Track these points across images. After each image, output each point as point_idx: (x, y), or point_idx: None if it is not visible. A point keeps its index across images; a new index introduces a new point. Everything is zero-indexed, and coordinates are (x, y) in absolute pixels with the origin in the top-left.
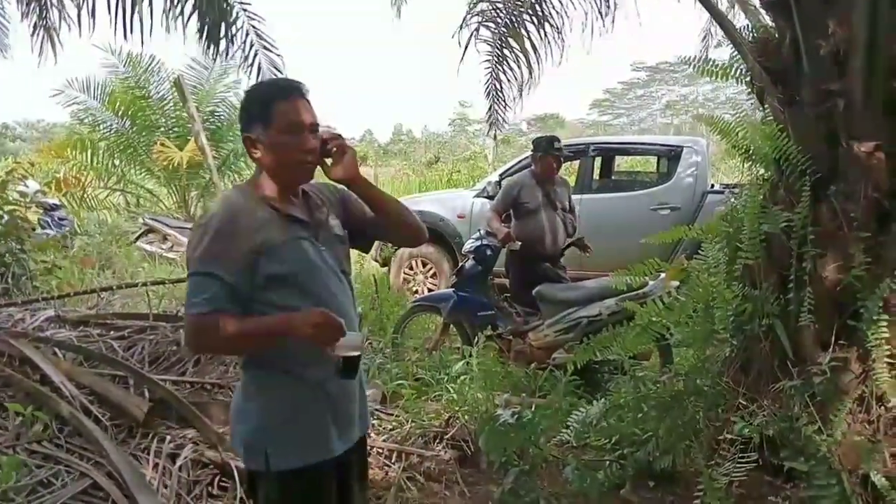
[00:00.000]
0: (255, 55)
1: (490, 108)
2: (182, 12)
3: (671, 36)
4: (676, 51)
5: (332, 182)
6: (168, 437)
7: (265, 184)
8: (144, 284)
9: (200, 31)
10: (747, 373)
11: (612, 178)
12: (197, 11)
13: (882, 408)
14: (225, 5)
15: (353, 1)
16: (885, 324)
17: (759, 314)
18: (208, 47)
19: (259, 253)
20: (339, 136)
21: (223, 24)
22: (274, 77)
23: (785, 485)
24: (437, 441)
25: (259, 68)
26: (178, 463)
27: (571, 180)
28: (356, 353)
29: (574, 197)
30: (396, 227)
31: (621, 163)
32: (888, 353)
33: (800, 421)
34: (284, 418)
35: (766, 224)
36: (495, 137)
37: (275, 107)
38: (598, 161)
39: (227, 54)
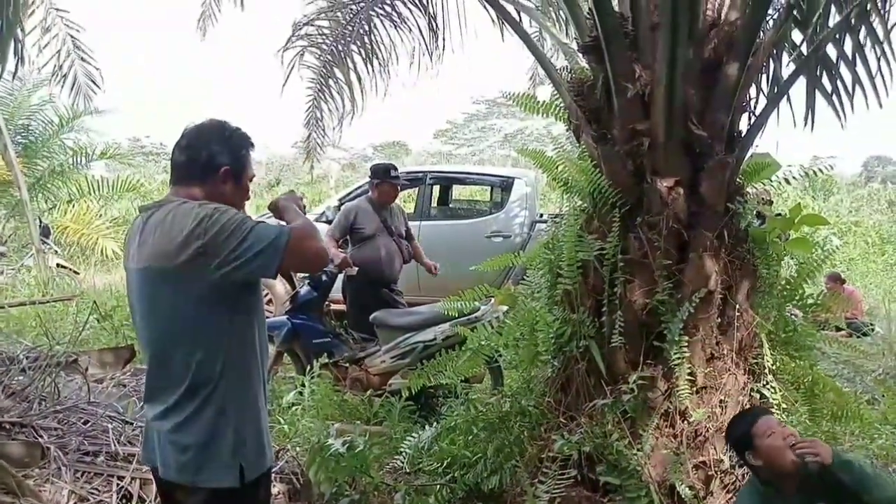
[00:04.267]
0: (72, 66)
1: (308, 137)
2: None
3: (512, 71)
4: (516, 86)
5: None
6: None
7: None
8: None
9: None
10: (567, 392)
11: (450, 205)
12: None
13: (685, 422)
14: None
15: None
16: (686, 344)
17: (577, 336)
18: None
19: None
20: None
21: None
22: (235, 126)
23: (602, 499)
24: None
25: (75, 80)
26: None
27: (410, 207)
28: None
29: (412, 223)
30: None
31: (461, 192)
32: (689, 371)
33: (612, 437)
34: (255, 428)
35: (581, 252)
36: (312, 167)
37: (250, 158)
38: (435, 189)
39: (15, 71)
